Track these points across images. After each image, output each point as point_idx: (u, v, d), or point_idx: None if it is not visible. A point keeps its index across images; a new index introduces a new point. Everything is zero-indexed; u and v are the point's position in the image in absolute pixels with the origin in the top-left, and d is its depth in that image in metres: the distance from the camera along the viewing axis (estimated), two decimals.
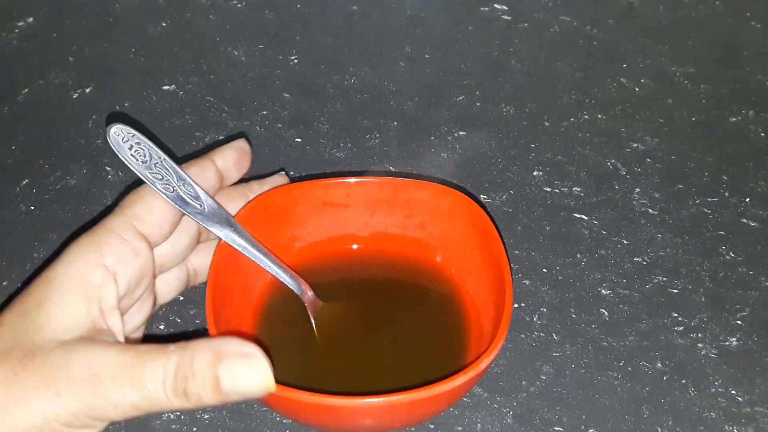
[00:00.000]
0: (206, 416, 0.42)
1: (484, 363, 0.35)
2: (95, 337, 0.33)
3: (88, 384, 0.31)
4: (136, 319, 0.39)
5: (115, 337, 0.34)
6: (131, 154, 0.37)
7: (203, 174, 0.40)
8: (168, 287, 0.41)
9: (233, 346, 0.31)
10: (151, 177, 0.37)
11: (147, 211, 0.37)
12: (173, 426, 0.41)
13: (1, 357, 0.32)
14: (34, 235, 0.49)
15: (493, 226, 0.41)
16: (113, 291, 0.35)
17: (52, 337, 0.33)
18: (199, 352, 0.31)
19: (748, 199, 0.52)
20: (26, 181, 0.52)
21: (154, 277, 0.39)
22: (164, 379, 0.31)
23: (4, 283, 0.47)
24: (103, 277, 0.34)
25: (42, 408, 0.31)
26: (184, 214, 0.38)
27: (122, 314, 0.35)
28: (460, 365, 0.40)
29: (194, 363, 0.31)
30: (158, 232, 0.37)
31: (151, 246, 0.37)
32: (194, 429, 0.41)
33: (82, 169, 0.52)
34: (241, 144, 0.42)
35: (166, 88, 0.57)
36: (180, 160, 0.52)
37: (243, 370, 0.31)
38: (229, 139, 0.54)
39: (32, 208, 0.50)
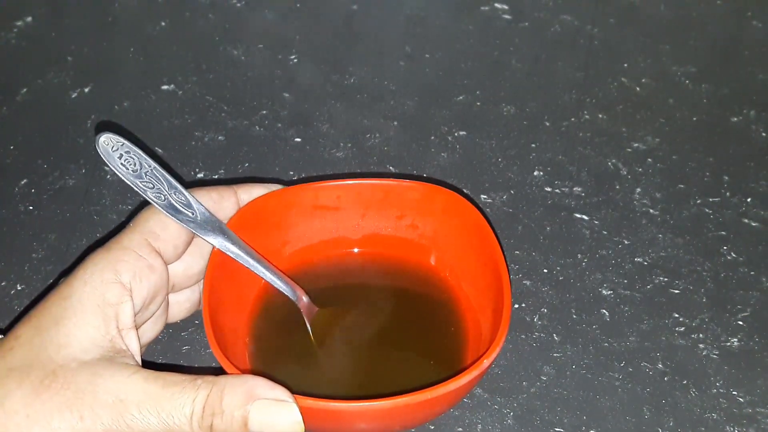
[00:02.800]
0: None
1: (485, 362, 0.35)
2: (115, 358, 0.33)
3: (112, 410, 0.32)
4: (147, 335, 0.39)
5: (134, 356, 0.34)
6: (121, 163, 0.36)
7: (221, 202, 0.40)
8: (178, 307, 0.41)
9: (265, 388, 0.32)
10: (141, 186, 0.37)
11: (161, 227, 0.37)
12: None
13: (21, 374, 0.32)
14: (32, 235, 0.49)
15: (486, 224, 0.41)
16: (129, 309, 0.35)
17: (72, 356, 0.33)
18: (230, 390, 0.32)
19: (749, 199, 0.52)
20: (25, 180, 0.52)
21: (167, 294, 0.39)
22: (191, 413, 0.32)
23: (2, 284, 0.46)
24: (119, 295, 0.34)
25: (64, 430, 0.31)
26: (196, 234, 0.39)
27: (137, 330, 0.36)
28: (458, 367, 0.40)
29: (224, 401, 0.32)
30: (172, 249, 0.38)
31: (165, 262, 0.37)
32: None
33: (80, 169, 0.52)
34: (273, 188, 0.42)
35: (165, 87, 0.57)
36: (182, 160, 0.52)
37: (274, 414, 0.32)
38: (228, 139, 0.54)
39: (31, 208, 0.50)
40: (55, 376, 0.32)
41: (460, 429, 0.41)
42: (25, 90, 0.57)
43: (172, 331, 0.44)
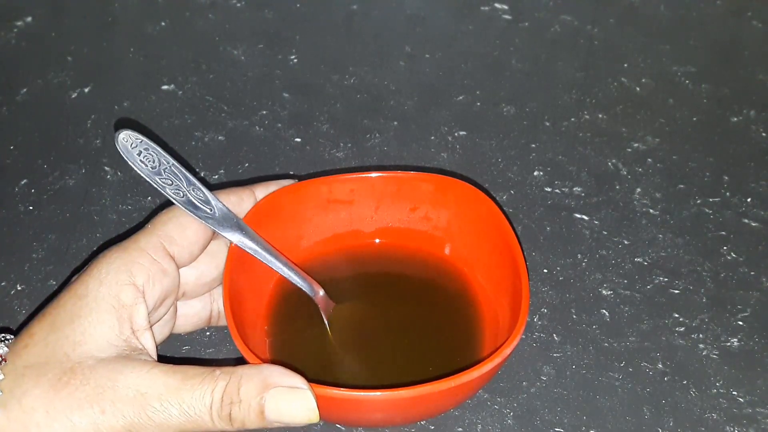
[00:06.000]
0: None
1: (507, 351, 0.35)
2: (132, 355, 0.34)
3: (134, 404, 0.32)
4: (156, 338, 0.39)
5: (150, 355, 0.35)
6: (140, 160, 0.37)
7: (240, 204, 0.40)
8: (185, 320, 0.41)
9: (280, 376, 0.33)
10: (160, 182, 0.37)
11: (179, 232, 0.37)
12: None
13: (38, 371, 0.32)
14: (32, 235, 0.49)
15: (501, 214, 0.41)
16: (144, 311, 0.35)
17: (88, 353, 0.33)
18: (247, 379, 0.33)
19: (749, 199, 0.52)
20: (25, 181, 0.52)
21: (177, 299, 0.40)
22: (211, 403, 0.32)
23: (2, 284, 0.46)
24: (133, 296, 0.35)
25: (85, 425, 0.32)
26: (212, 239, 0.39)
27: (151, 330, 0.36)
28: (476, 358, 0.40)
29: (241, 390, 0.32)
30: (187, 254, 0.38)
31: (178, 266, 0.38)
32: None
33: (80, 169, 0.52)
34: (288, 184, 0.42)
35: (165, 87, 0.57)
36: (182, 160, 0.52)
37: (289, 401, 0.32)
38: (228, 139, 0.54)
39: (30, 208, 0.50)
40: (74, 373, 0.32)
41: (460, 429, 0.41)
42: (24, 90, 0.57)
43: (171, 334, 0.44)
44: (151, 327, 0.36)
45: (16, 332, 0.35)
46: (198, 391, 0.32)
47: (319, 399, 0.33)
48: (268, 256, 0.39)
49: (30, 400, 0.32)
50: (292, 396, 0.32)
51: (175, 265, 0.37)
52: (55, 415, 0.31)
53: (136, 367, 0.33)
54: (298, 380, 0.33)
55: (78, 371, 0.32)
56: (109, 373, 0.32)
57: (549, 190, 0.52)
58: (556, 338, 0.45)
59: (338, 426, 0.42)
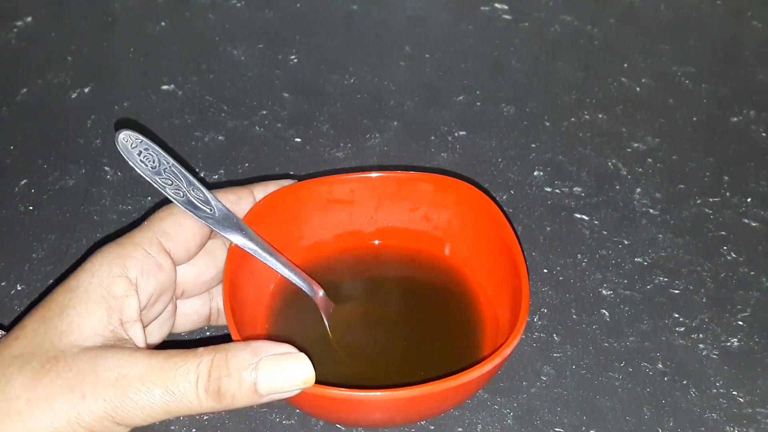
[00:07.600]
0: (205, 418, 0.41)
1: (507, 351, 0.35)
2: (117, 345, 0.33)
3: (115, 387, 0.32)
4: (154, 338, 0.39)
5: (136, 346, 0.34)
6: (140, 160, 0.37)
7: (239, 203, 0.40)
8: (185, 319, 0.41)
9: (269, 345, 0.32)
10: (161, 182, 0.37)
11: (175, 228, 0.37)
12: (172, 427, 0.41)
13: (23, 361, 0.32)
14: (32, 235, 0.49)
15: (501, 214, 0.41)
16: (135, 303, 0.35)
17: (73, 342, 0.33)
18: (235, 351, 0.32)
19: (749, 199, 0.52)
20: (25, 181, 0.52)
21: (176, 297, 0.40)
22: (196, 379, 0.32)
23: (2, 284, 0.46)
24: (125, 288, 0.35)
25: (65, 411, 0.31)
26: (210, 238, 0.39)
27: (144, 327, 0.36)
28: (476, 358, 0.40)
29: (230, 362, 0.32)
30: (184, 251, 0.38)
31: (175, 263, 0.38)
32: (193, 430, 0.41)
33: (80, 169, 0.52)
34: (287, 184, 0.42)
35: (165, 87, 0.57)
36: (182, 160, 0.52)
37: (282, 366, 0.32)
38: (228, 139, 0.54)
39: (31, 208, 0.50)
40: (57, 361, 0.32)
41: (460, 429, 0.41)
42: (24, 90, 0.57)
43: (171, 333, 0.44)
44: (142, 321, 0.35)
45: (11, 327, 0.35)
46: (182, 368, 0.32)
47: (319, 399, 0.33)
48: (267, 256, 0.39)
49: (13, 388, 0.32)
50: (284, 361, 0.32)
51: (171, 260, 0.37)
52: (36, 403, 0.31)
53: (119, 351, 0.33)
54: (288, 347, 0.32)
55: (61, 359, 0.32)
56: (91, 359, 0.32)
57: (549, 190, 0.52)
58: (556, 338, 0.45)
59: (338, 426, 0.42)
